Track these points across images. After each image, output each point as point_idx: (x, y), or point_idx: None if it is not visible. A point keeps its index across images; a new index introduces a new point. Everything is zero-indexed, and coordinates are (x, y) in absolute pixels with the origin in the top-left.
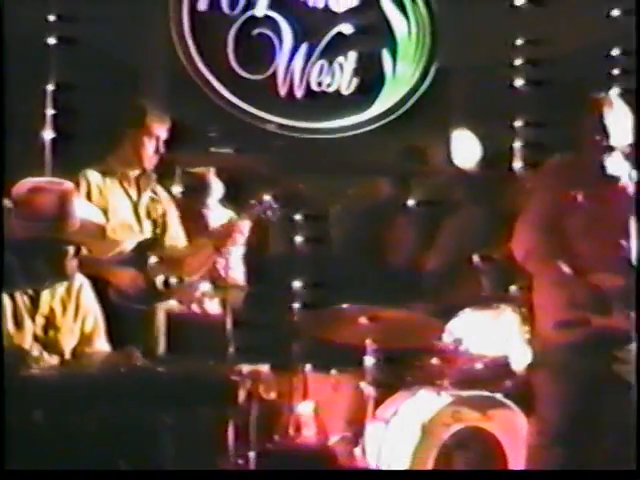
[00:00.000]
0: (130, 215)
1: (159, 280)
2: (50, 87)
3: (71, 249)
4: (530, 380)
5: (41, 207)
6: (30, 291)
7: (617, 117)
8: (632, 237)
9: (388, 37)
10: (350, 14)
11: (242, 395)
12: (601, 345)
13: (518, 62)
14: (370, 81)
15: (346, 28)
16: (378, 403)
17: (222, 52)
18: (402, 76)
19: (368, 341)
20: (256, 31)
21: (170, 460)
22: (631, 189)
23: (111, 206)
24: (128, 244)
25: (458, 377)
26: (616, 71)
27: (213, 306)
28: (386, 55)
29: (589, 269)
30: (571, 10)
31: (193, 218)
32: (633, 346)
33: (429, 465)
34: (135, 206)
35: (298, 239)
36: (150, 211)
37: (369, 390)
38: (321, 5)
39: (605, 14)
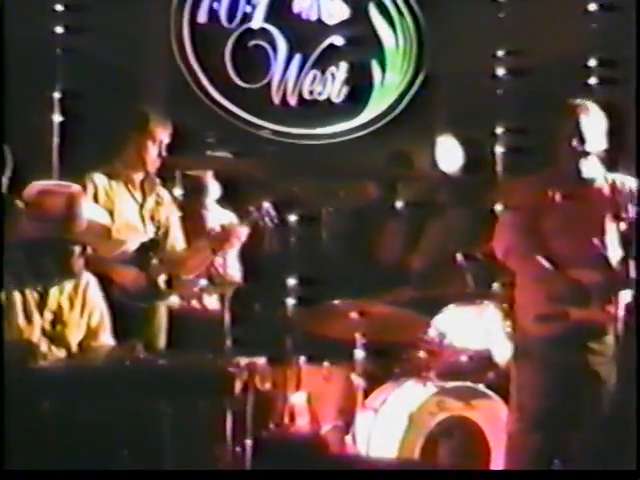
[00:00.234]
0: (135, 216)
1: (160, 279)
2: (57, 95)
3: (78, 248)
4: (511, 371)
5: (50, 208)
6: (39, 288)
7: (593, 123)
8: (607, 235)
9: (377, 48)
10: (341, 27)
11: (239, 386)
12: (578, 338)
13: (499, 72)
14: (360, 90)
15: (337, 40)
16: (367, 393)
17: (220, 62)
18: (390, 85)
19: (358, 335)
20: (252, 43)
21: (170, 447)
22: (606, 190)
23: (117, 207)
24: (132, 244)
25: (443, 369)
26: (593, 80)
27: (212, 302)
28: (375, 65)
29: (567, 265)
30: (550, 22)
31: (192, 218)
32: (609, 338)
33: (416, 452)
34: (140, 208)
35: (292, 239)
36: (154, 214)
37: (359, 381)
38: (314, 18)
39: (582, 26)
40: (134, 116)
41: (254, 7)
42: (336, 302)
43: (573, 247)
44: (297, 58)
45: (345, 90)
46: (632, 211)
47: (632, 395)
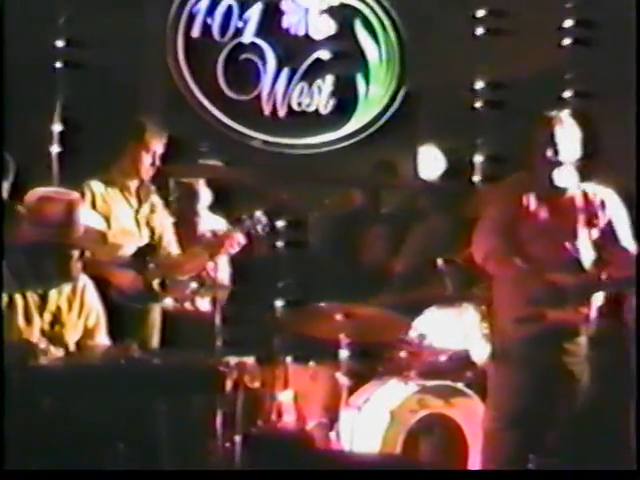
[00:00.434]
0: (131, 222)
1: (155, 282)
2: (58, 106)
3: (76, 253)
4: (488, 371)
5: (50, 214)
6: (39, 290)
7: (567, 134)
8: (580, 240)
9: (361, 62)
10: (327, 42)
11: (229, 384)
12: (553, 339)
13: (478, 85)
14: (345, 102)
15: (324, 54)
16: (352, 391)
17: (212, 75)
18: (374, 97)
19: (342, 336)
20: (243, 56)
21: (164, 442)
22: (579, 198)
23: (113, 213)
24: (129, 248)
25: (423, 368)
26: (567, 94)
27: (204, 304)
28: (360, 78)
29: (543, 269)
30: (526, 40)
31: (185, 224)
32: (582, 339)
33: (397, 447)
34: (136, 214)
35: (280, 243)
36: (149, 220)
37: (343, 380)
38: (301, 33)
39: (557, 44)
40: (131, 126)
41: (245, 22)
42: (322, 304)
43: (548, 251)
44: (285, 71)
45: (332, 102)
46: (603, 218)
47: (604, 393)
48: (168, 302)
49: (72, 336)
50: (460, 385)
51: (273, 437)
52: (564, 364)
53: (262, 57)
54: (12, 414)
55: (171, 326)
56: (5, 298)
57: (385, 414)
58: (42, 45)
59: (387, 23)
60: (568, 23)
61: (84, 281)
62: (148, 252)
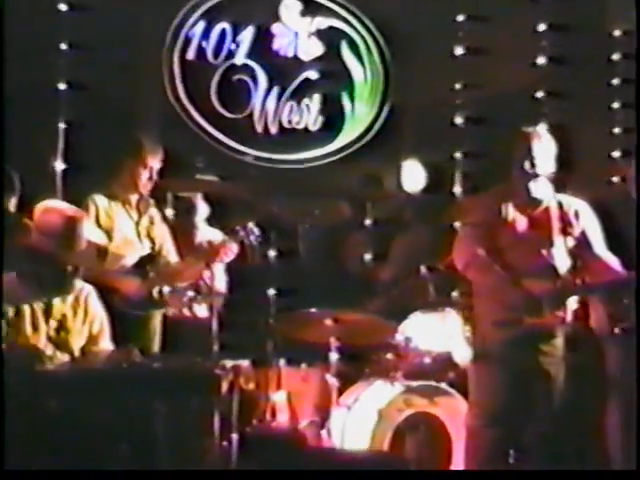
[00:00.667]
0: (132, 233)
1: (155, 290)
2: (61, 125)
3: (79, 264)
4: (470, 371)
5: (55, 228)
6: (45, 298)
7: (543, 148)
8: (555, 248)
9: (347, 82)
10: (315, 62)
11: (225, 386)
12: (531, 341)
13: (458, 102)
14: (333, 119)
15: (312, 74)
16: (341, 392)
17: (207, 95)
18: (360, 115)
19: (332, 340)
20: (236, 77)
21: (164, 442)
22: (554, 209)
23: (116, 225)
24: (130, 258)
25: (409, 370)
26: (542, 109)
27: (201, 310)
28: (346, 97)
29: (521, 276)
30: (502, 59)
31: (184, 236)
32: (558, 341)
33: (385, 444)
34: (136, 226)
35: (272, 253)
36: (149, 231)
37: (333, 381)
38: (291, 55)
39: (531, 62)
40: (129, 144)
41: (238, 45)
42: (312, 310)
43: (526, 259)
44: (275, 90)
45: (320, 119)
46: (577, 228)
47: (579, 391)
48: (168, 309)
49: (77, 342)
50: (444, 385)
51: (267, 436)
52: (541, 364)
53: (254, 77)
54: (22, 416)
55: (171, 332)
56: (12, 308)
57: (373, 413)
58: (45, 66)
59: (372, 44)
60: (543, 43)
61: (88, 289)
62: (149, 261)
